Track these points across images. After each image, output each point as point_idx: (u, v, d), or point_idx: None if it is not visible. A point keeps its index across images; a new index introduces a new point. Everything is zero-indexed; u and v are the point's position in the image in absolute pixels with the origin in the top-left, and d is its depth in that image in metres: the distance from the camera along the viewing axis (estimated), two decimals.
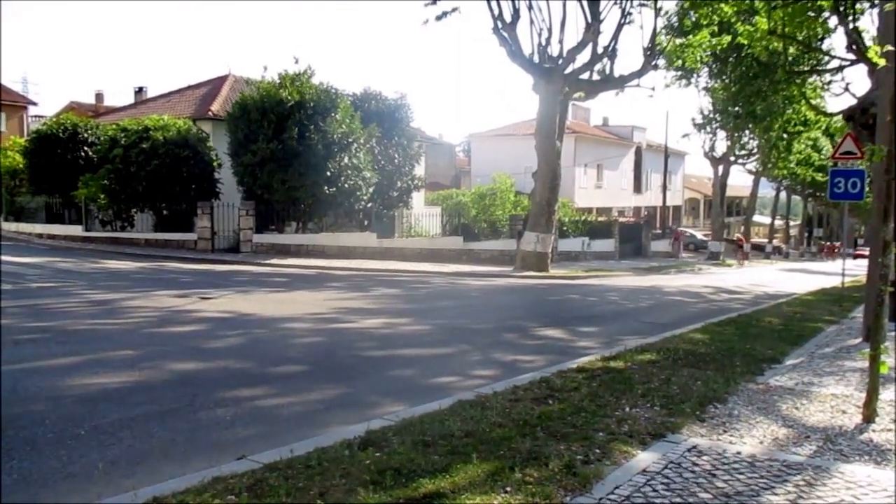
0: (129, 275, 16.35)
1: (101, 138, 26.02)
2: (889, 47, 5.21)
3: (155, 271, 17.51)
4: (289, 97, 22.42)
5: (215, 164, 24.80)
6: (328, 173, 22.58)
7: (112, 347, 7.65)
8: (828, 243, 60.23)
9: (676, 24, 25.15)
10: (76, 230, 26.88)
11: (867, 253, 12.48)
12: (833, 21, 16.80)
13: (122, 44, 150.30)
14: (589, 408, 5.24)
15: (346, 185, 23.35)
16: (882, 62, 5.43)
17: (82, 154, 27.47)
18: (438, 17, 20.28)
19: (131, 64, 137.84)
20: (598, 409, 5.20)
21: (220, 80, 31.56)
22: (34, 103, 43.07)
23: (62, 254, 21.58)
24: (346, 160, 23.15)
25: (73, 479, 4.01)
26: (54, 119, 30.83)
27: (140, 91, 40.56)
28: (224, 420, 5.17)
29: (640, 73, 23.01)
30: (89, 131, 28.12)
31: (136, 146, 23.46)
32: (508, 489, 3.65)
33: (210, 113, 27.54)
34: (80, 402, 5.47)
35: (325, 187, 22.82)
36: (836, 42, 71.09)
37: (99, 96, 49.55)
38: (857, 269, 25.22)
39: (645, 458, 4.23)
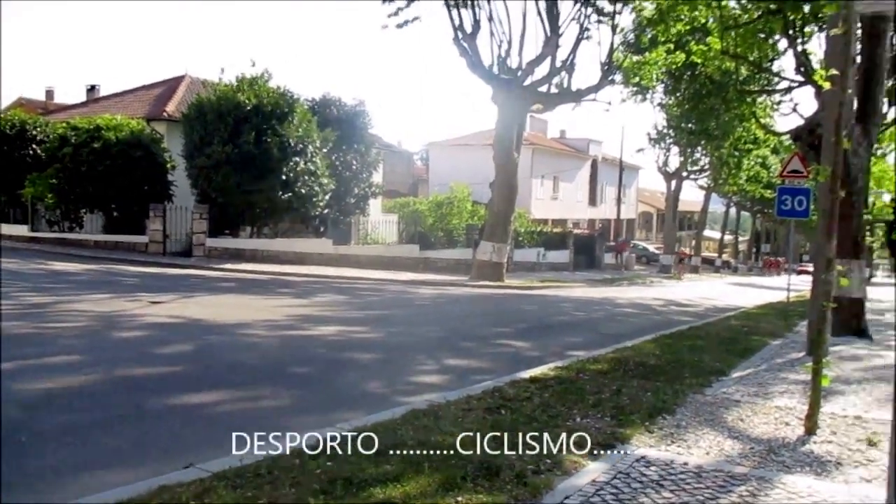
0: (76, 277, 15.93)
1: (51, 136, 25.28)
2: (834, 71, 5.39)
3: (103, 274, 17.09)
4: (246, 100, 22.19)
5: (169, 165, 24.33)
6: (284, 178, 22.38)
7: (56, 352, 7.45)
8: (773, 258, 61.64)
9: (633, 41, 25.62)
10: (21, 230, 26.06)
11: (810, 269, 12.82)
12: (783, 43, 17.33)
13: (74, 40, 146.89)
14: (541, 418, 5.28)
15: (303, 191, 23.17)
16: (827, 85, 5.62)
17: (30, 152, 26.63)
18: (399, 26, 20.33)
19: (84, 61, 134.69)
20: (549, 420, 5.24)
21: (177, 81, 31.02)
22: None
23: (6, 254, 20.89)
24: (302, 165, 22.98)
25: (10, 487, 3.87)
26: (1, 115, 29.90)
27: (92, 89, 39.58)
28: (172, 427, 5.07)
29: (597, 88, 23.35)
30: (38, 129, 27.28)
31: (87, 145, 22.88)
32: (460, 499, 3.66)
33: (165, 114, 27.05)
34: (22, 408, 5.30)
35: (281, 192, 22.61)
36: (786, 64, 73.72)
37: (49, 93, 48.20)
38: (801, 285, 25.97)
39: (595, 468, 4.28)
